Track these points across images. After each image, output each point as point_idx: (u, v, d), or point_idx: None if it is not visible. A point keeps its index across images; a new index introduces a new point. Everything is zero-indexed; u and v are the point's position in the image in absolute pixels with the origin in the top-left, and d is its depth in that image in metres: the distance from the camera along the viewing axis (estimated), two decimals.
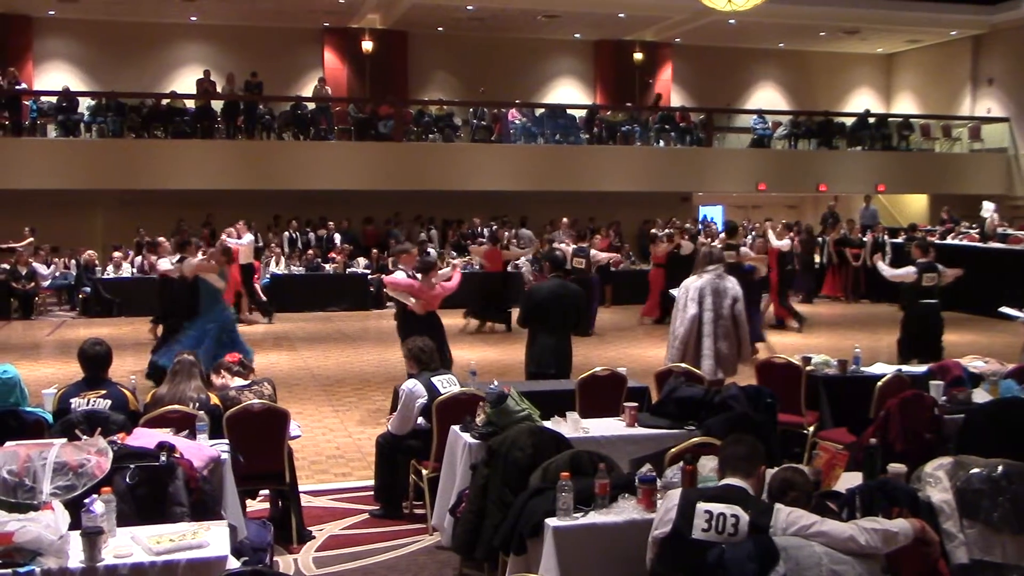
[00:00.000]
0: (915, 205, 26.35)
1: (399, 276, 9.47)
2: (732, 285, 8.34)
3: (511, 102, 23.27)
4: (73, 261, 18.65)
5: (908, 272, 10.62)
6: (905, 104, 27.45)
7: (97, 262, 18.33)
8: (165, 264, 12.14)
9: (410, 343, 6.82)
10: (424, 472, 6.32)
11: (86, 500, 3.80)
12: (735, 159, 23.56)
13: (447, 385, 6.49)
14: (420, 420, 6.46)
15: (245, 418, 5.90)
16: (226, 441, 5.52)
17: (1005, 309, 9.63)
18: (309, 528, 6.28)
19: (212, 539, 3.88)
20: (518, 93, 24.22)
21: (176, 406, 5.66)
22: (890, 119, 25.15)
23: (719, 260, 8.51)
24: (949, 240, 19.43)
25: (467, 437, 5.75)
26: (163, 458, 4.40)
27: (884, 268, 11.35)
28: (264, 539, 4.89)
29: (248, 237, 16.80)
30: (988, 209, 19.09)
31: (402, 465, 6.64)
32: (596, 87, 25.78)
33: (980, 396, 6.77)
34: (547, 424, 5.70)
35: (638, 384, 7.33)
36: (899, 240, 20.43)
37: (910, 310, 10.86)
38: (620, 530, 4.31)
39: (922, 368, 7.68)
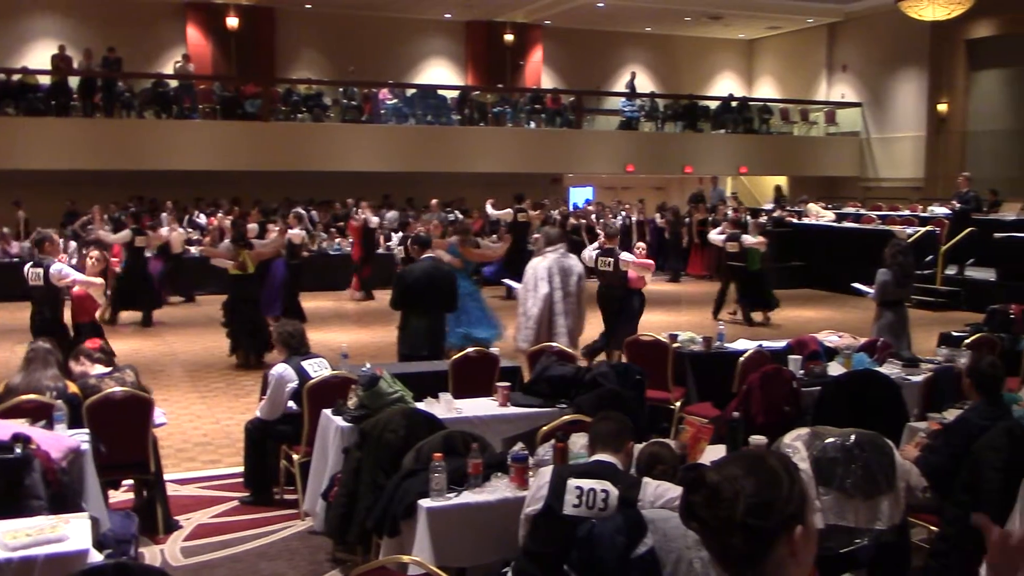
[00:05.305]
0: (774, 186, 27.28)
1: (627, 254, 9.87)
2: (575, 263, 8.67)
3: (382, 82, 23.03)
4: None
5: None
6: (765, 88, 28.37)
7: None
8: None
9: (279, 327, 6.70)
10: (295, 457, 6.23)
11: None
12: (604, 141, 23.92)
13: (317, 369, 6.42)
14: (291, 404, 6.37)
15: (106, 406, 5.71)
16: (86, 431, 5.33)
17: (856, 285, 10.09)
18: (176, 517, 6.12)
19: (72, 532, 3.76)
20: (389, 73, 23.99)
21: (31, 395, 5.44)
22: (751, 103, 25.97)
23: (560, 240, 8.85)
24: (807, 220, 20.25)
25: (339, 420, 5.70)
26: (18, 450, 4.25)
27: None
28: (128, 530, 4.74)
29: None
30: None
31: (272, 450, 6.54)
32: (468, 68, 25.76)
33: (835, 369, 7.09)
34: (420, 405, 5.69)
35: (510, 364, 7.41)
36: (762, 220, 21.11)
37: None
38: (493, 509, 4.35)
39: (782, 343, 8.00)
